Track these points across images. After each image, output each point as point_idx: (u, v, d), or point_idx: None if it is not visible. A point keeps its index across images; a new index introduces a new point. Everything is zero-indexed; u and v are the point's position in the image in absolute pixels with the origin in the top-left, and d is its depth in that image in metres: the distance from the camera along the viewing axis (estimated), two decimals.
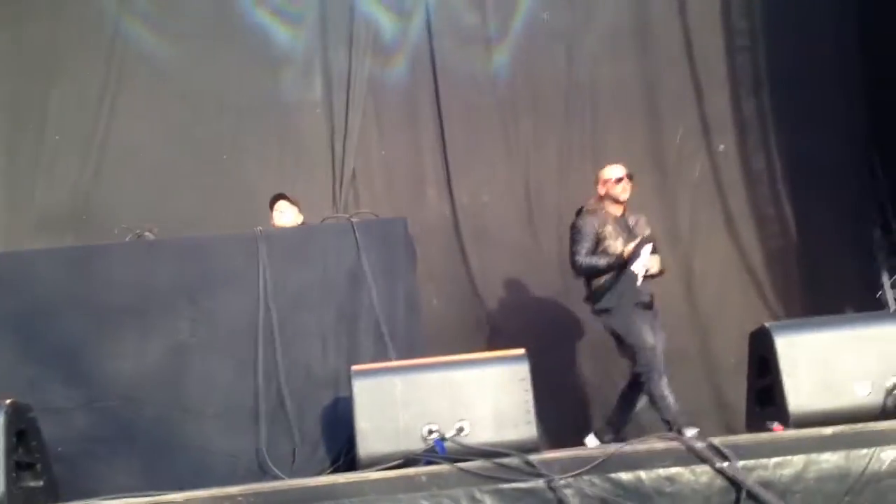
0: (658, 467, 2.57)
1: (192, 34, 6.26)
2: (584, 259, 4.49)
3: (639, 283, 4.38)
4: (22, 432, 3.10)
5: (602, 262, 4.44)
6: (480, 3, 6.32)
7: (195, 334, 3.85)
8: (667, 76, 6.16)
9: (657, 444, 2.64)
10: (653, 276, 4.51)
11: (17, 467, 3.01)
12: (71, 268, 3.98)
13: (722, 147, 6.07)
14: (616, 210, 4.62)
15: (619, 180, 4.60)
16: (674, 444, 2.61)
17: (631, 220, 4.65)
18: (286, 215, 4.96)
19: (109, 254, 4.10)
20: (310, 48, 6.31)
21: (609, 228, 4.51)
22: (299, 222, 4.97)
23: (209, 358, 3.83)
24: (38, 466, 3.18)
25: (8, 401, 3.03)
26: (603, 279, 4.48)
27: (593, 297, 4.56)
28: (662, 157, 6.06)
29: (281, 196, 5.03)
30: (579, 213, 4.67)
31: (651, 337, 4.39)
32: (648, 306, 4.52)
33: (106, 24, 6.23)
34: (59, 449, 3.52)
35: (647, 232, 4.58)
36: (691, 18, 6.20)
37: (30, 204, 5.98)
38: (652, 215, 5.85)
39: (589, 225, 4.52)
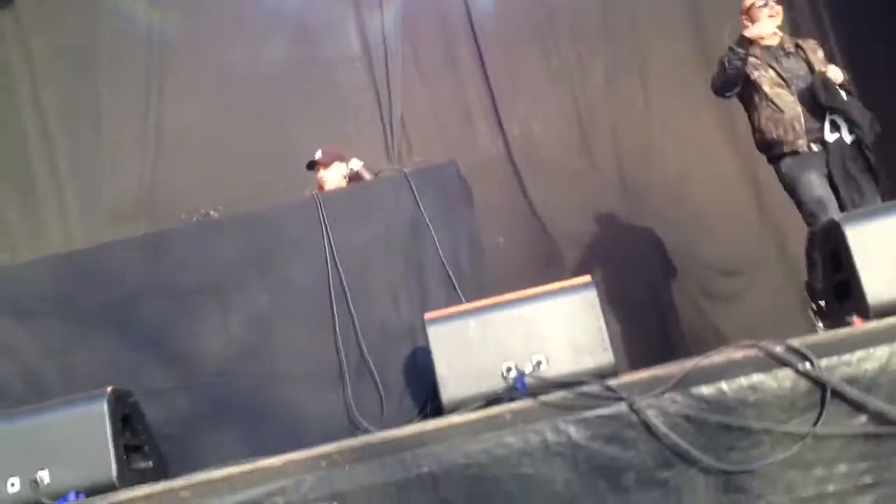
0: (739, 376, 2.54)
1: (219, 11, 6.32)
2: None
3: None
4: (127, 417, 3.26)
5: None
6: None
7: (273, 304, 3.96)
8: None
9: (735, 353, 2.60)
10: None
11: (127, 450, 3.18)
12: (147, 254, 4.12)
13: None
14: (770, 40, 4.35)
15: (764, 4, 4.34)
16: (752, 352, 2.58)
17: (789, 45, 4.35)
18: (328, 180, 4.87)
19: (180, 237, 4.22)
20: (339, 4, 6.28)
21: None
22: (347, 172, 4.91)
23: (289, 325, 3.94)
24: (146, 448, 3.34)
25: (109, 388, 3.19)
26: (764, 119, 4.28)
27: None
28: (713, 59, 5.81)
29: (313, 164, 4.90)
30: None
31: (819, 187, 4.11)
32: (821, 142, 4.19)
33: (139, 14, 6.31)
34: (165, 429, 3.70)
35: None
36: None
37: (100, 199, 6.19)
38: (709, 123, 5.77)
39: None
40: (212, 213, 4.43)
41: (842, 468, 2.49)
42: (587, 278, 3.09)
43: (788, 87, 4.23)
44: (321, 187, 4.86)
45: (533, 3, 6.15)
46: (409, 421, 3.46)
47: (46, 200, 6.22)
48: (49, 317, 3.96)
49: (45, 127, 6.29)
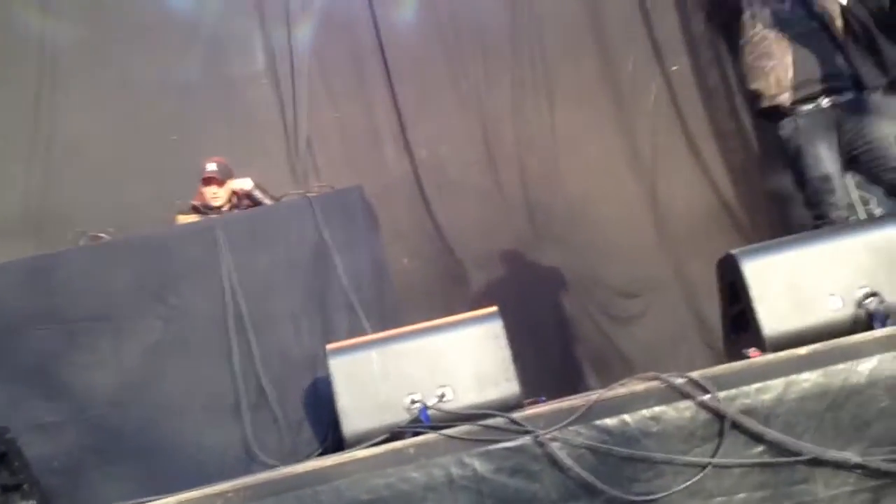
0: (642, 408, 2.57)
1: (121, 18, 6.08)
2: None
3: None
4: (2, 455, 3.08)
5: None
6: None
7: (168, 332, 3.81)
8: (612, 4, 6.04)
9: (637, 385, 2.63)
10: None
11: (4, 490, 2.99)
12: (31, 280, 3.90)
13: (675, 67, 6.00)
14: None
15: None
16: (654, 384, 2.61)
17: None
18: (220, 197, 4.84)
19: (68, 261, 4.01)
20: (244, 19, 6.15)
21: None
22: (234, 191, 4.83)
23: (186, 354, 3.79)
24: (26, 486, 3.16)
25: None
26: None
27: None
28: (617, 85, 5.98)
29: (207, 179, 4.85)
30: None
31: (828, 162, 3.56)
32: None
33: (31, 23, 6.02)
34: (55, 463, 3.56)
35: None
36: None
37: None
38: (612, 145, 5.88)
39: None
40: (102, 235, 4.22)
41: (741, 497, 2.53)
42: (493, 309, 3.07)
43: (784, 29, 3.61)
44: (206, 201, 4.78)
45: (442, 25, 6.14)
46: (310, 455, 3.37)
47: None
48: None
49: None
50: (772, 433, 2.51)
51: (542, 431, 2.58)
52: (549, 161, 5.95)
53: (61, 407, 3.68)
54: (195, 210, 4.74)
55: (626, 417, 2.59)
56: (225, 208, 4.81)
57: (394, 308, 3.94)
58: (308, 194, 4.06)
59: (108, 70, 6.02)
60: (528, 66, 6.04)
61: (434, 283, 5.59)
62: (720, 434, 2.53)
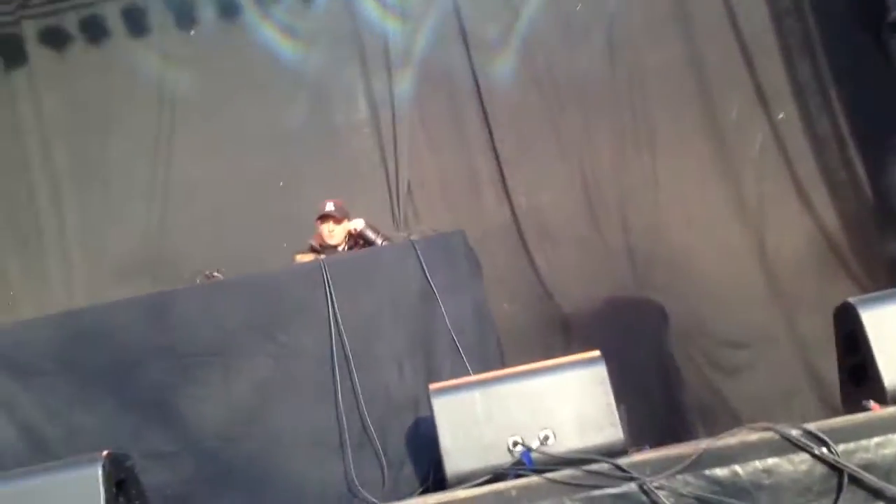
0: (754, 460, 2.49)
1: (234, 69, 6.39)
2: None
3: None
4: (121, 482, 3.19)
5: None
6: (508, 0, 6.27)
7: (277, 370, 3.93)
8: (713, 51, 5.98)
9: (750, 435, 2.55)
10: None
11: None
12: (150, 315, 4.10)
13: (782, 115, 5.89)
14: None
15: None
16: (768, 435, 2.53)
17: None
18: (336, 235, 4.90)
19: (184, 298, 4.19)
20: (349, 70, 6.37)
21: None
22: (349, 231, 4.92)
23: (293, 391, 3.90)
24: None
25: (105, 452, 3.12)
26: None
27: None
28: (720, 133, 5.90)
29: (324, 217, 4.92)
30: None
31: None
32: None
33: (152, 72, 6.40)
34: (168, 491, 3.69)
35: None
36: None
37: (105, 255, 6.20)
38: (716, 194, 5.78)
39: None
40: (216, 274, 4.40)
41: None
42: (596, 353, 3.05)
43: None
44: (324, 239, 4.86)
45: (541, 73, 6.20)
46: (411, 494, 3.39)
47: (51, 255, 6.23)
48: (50, 376, 3.94)
49: (54, 182, 6.33)
50: (893, 489, 2.41)
51: (648, 479, 2.53)
52: (651, 210, 5.89)
53: (176, 437, 3.83)
54: (313, 250, 4.86)
55: (738, 468, 2.51)
56: (341, 247, 4.90)
57: (496, 352, 3.95)
58: (411, 237, 4.12)
59: (220, 117, 6.34)
60: (629, 113, 6.03)
61: (534, 328, 5.56)
62: (838, 489, 2.43)
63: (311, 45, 6.38)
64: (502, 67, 6.25)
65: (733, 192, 5.78)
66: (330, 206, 4.92)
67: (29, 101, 6.44)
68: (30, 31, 6.46)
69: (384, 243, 4.73)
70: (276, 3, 6.43)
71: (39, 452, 3.67)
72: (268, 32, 6.39)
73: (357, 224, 4.92)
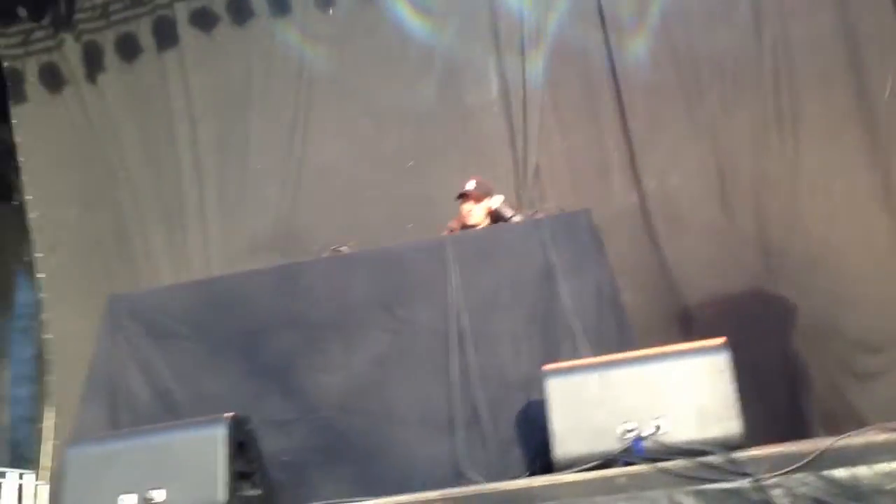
0: (878, 462, 2.35)
1: (368, 49, 6.51)
2: None
3: None
4: (242, 444, 3.36)
5: None
6: None
7: (395, 344, 3.99)
8: (867, 23, 5.49)
9: (876, 436, 2.41)
10: None
11: (238, 477, 3.26)
12: (279, 285, 4.26)
13: None
14: None
15: None
16: (895, 436, 2.37)
17: None
18: (474, 215, 4.83)
19: (310, 270, 4.34)
20: (481, 49, 6.34)
21: None
22: (489, 209, 4.85)
23: (409, 366, 3.96)
24: (257, 476, 3.44)
25: (229, 415, 3.29)
26: None
27: None
28: (871, 115, 5.47)
29: (464, 196, 4.88)
30: None
31: None
32: None
33: (292, 52, 6.62)
34: (284, 458, 3.83)
35: None
36: None
37: (241, 229, 6.48)
38: (863, 185, 5.41)
39: None
40: (343, 248, 4.52)
41: None
42: (721, 340, 2.95)
43: None
44: (463, 219, 4.83)
45: (680, 50, 5.94)
46: (518, 475, 3.38)
47: (190, 228, 6.59)
48: (184, 339, 4.16)
49: (198, 160, 6.66)
50: None
51: (763, 476, 2.43)
52: (790, 199, 5.56)
53: (295, 406, 3.96)
54: (450, 232, 4.81)
55: (860, 470, 2.39)
56: (481, 226, 4.83)
57: (621, 336, 3.84)
58: (537, 216, 4.09)
59: (354, 96, 6.49)
60: (772, 93, 5.65)
61: (656, 321, 5.35)
62: None
63: (444, 23, 6.39)
64: (638, 45, 6.03)
65: (882, 180, 5.35)
66: (470, 185, 4.86)
67: (179, 80, 6.79)
68: (181, 13, 6.80)
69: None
70: None
71: (169, 413, 3.89)
72: (402, 10, 6.45)
73: (495, 202, 4.86)
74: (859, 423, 4.50)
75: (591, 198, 5.71)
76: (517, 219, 4.72)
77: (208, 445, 3.13)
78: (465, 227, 4.84)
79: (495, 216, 4.83)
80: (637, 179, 5.87)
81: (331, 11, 6.63)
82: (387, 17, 6.50)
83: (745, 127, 5.72)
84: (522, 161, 6.07)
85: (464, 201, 4.85)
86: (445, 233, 4.82)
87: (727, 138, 5.75)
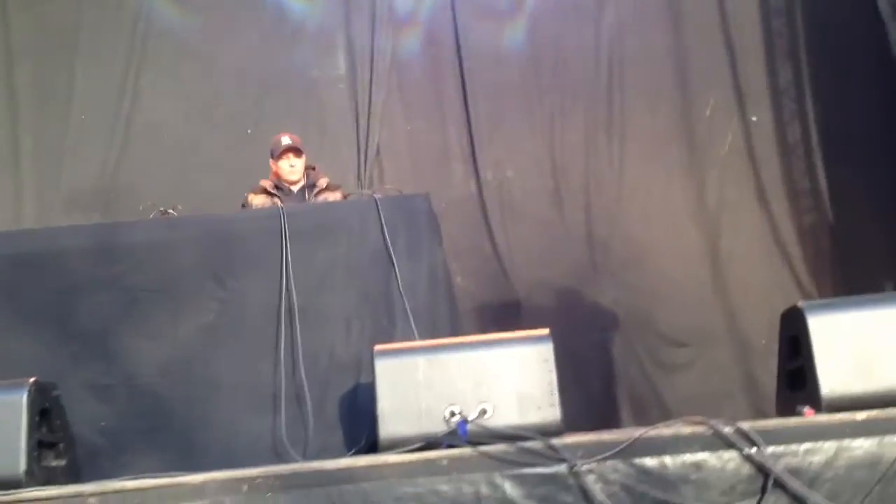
0: (684, 452, 2.51)
1: (215, 8, 6.23)
2: None
3: None
4: (45, 411, 3.12)
5: None
6: None
7: (223, 315, 3.84)
8: (698, 46, 6.00)
9: (683, 428, 2.57)
10: None
11: (40, 446, 3.03)
12: (97, 244, 3.98)
13: (755, 118, 5.92)
14: None
15: None
16: (700, 429, 2.55)
17: None
18: (298, 170, 4.64)
19: (135, 231, 4.08)
20: (332, 22, 6.25)
21: None
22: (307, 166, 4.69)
23: (237, 338, 3.82)
24: (61, 446, 3.21)
25: (31, 379, 3.05)
26: None
27: None
28: (691, 130, 5.93)
29: (291, 149, 4.63)
30: None
31: None
32: None
33: (129, 2, 6.21)
34: (103, 424, 3.64)
35: None
36: None
37: (57, 183, 6.02)
38: (678, 193, 5.82)
39: None
40: (171, 211, 4.30)
41: None
42: (545, 331, 3.04)
43: None
44: (285, 175, 4.62)
45: (523, 52, 6.16)
46: (342, 455, 3.36)
47: (1, 177, 6.03)
48: None
49: (12, 102, 6.12)
50: (816, 497, 2.44)
51: (578, 462, 2.53)
52: (614, 199, 5.92)
53: (115, 370, 3.74)
54: (265, 192, 4.64)
55: (667, 460, 2.53)
56: (300, 185, 4.68)
57: (450, 321, 3.89)
58: (375, 195, 4.06)
59: (194, 55, 6.19)
60: (605, 102, 6.03)
61: (486, 305, 5.57)
62: (762, 491, 2.46)
63: None
64: (487, 39, 6.18)
65: (695, 192, 5.84)
66: (286, 140, 4.64)
67: None
68: None
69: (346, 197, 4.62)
70: None
71: None
72: None
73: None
74: (665, 412, 4.89)
75: (430, 182, 5.78)
76: (323, 182, 4.63)
77: (7, 413, 2.88)
78: (286, 183, 4.65)
79: (312, 175, 4.71)
80: (476, 169, 6.01)
81: None
82: None
83: (579, 130, 6.03)
84: (365, 140, 6.04)
85: (283, 157, 4.63)
86: (258, 192, 4.64)
87: (562, 139, 6.04)
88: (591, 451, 2.55)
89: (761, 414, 4.61)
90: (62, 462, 3.15)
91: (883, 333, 2.72)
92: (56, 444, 3.15)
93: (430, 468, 2.64)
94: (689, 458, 2.50)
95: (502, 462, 2.61)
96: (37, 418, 2.98)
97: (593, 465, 2.51)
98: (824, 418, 2.58)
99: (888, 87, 5.70)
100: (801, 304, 2.84)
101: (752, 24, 6.00)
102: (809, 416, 2.63)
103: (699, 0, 6.05)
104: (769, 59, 5.94)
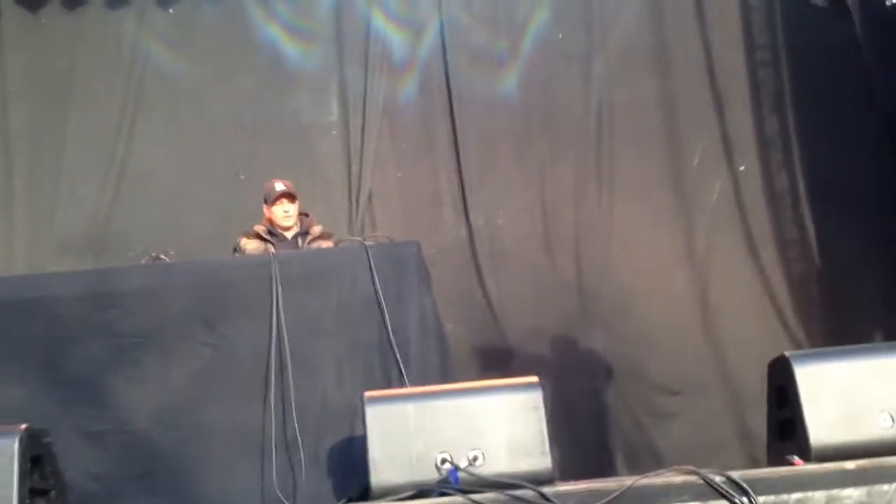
0: (675, 502, 2.52)
1: (208, 54, 6.29)
2: None
3: None
4: (37, 458, 3.10)
5: None
6: (493, 21, 6.31)
7: (214, 361, 3.85)
8: (686, 95, 6.09)
9: (674, 477, 2.58)
10: None
11: (32, 493, 3.01)
12: (89, 290, 3.99)
13: (743, 167, 6.01)
14: None
15: None
16: (692, 478, 2.55)
17: None
18: (292, 217, 4.68)
19: (127, 277, 4.09)
20: (325, 68, 6.32)
21: None
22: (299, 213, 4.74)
23: (228, 385, 3.83)
24: (53, 493, 3.18)
25: (23, 426, 3.03)
26: None
27: None
28: (680, 178, 6.01)
29: (285, 195, 4.68)
30: None
31: None
32: None
33: (124, 47, 6.26)
34: (94, 469, 3.64)
35: None
36: (711, 34, 6.14)
37: (50, 228, 6.01)
38: (666, 241, 5.88)
39: None
40: (163, 256, 4.31)
41: None
42: (534, 378, 3.05)
43: None
44: (278, 220, 4.65)
45: (513, 100, 6.24)
46: (334, 503, 3.34)
47: None
48: None
49: (6, 145, 6.13)
50: None
51: None
52: (604, 247, 5.97)
53: (106, 416, 3.74)
54: (258, 237, 4.66)
55: None
56: (293, 231, 4.72)
57: (441, 367, 3.91)
58: (366, 242, 4.09)
59: (188, 100, 6.23)
60: (594, 150, 6.10)
61: (476, 351, 5.57)
62: None
63: (290, 38, 6.30)
64: (478, 87, 6.27)
65: (684, 240, 5.89)
66: (281, 186, 4.68)
67: None
68: None
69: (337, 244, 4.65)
70: None
71: None
72: (250, 15, 6.29)
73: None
74: (658, 460, 4.88)
75: (422, 228, 5.84)
76: (317, 230, 4.66)
77: (0, 458, 2.87)
78: (280, 229, 4.68)
79: (306, 223, 4.74)
80: (466, 215, 6.05)
81: (171, 10, 6.35)
82: (232, 21, 6.32)
83: (569, 177, 6.09)
84: (357, 186, 6.08)
85: (277, 203, 4.67)
86: (251, 237, 4.67)
87: (552, 186, 6.10)
88: (582, 500, 2.55)
89: (755, 462, 4.61)
90: None
91: (869, 383, 2.75)
92: (48, 490, 3.12)
93: None
94: None
95: None
96: (28, 465, 2.96)
97: None
98: (815, 468, 2.59)
99: (874, 135, 5.82)
100: (787, 353, 2.86)
101: (739, 73, 6.12)
102: (798, 466, 2.64)
103: (687, 49, 6.17)
104: (756, 109, 6.05)
